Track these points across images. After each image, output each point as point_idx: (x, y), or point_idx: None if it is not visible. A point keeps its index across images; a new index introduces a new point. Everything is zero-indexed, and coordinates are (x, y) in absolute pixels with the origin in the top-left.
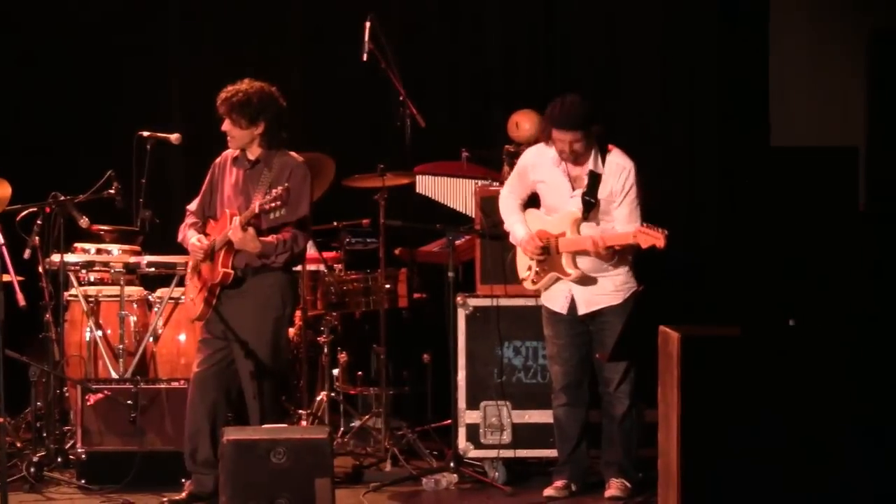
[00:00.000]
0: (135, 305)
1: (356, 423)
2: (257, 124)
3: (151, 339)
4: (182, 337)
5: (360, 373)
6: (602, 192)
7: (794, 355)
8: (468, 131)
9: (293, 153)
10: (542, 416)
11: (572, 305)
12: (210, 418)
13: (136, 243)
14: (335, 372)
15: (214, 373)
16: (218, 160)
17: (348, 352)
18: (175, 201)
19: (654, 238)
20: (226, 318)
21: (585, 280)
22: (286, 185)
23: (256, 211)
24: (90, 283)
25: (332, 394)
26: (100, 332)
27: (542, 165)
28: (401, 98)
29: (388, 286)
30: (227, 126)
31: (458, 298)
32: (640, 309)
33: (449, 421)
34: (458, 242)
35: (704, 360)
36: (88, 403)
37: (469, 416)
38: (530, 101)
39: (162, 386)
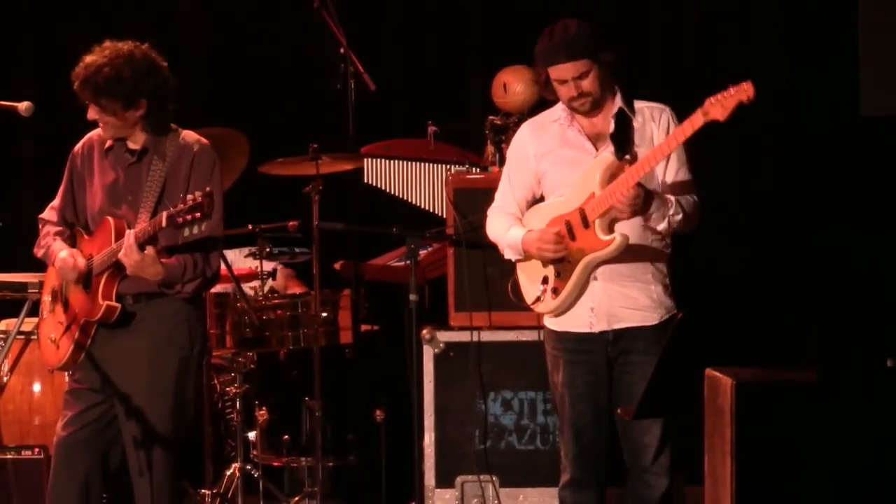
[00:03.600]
0: None
1: None
2: (137, 106)
3: None
4: (37, 387)
5: (286, 437)
6: (639, 140)
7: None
8: (437, 97)
9: (190, 132)
10: (543, 497)
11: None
12: (80, 501)
13: None
14: (251, 436)
15: (87, 438)
16: (78, 148)
17: (269, 407)
18: (26, 194)
19: (738, 93)
20: (106, 362)
21: (614, 275)
22: (208, 189)
23: (163, 224)
24: None
25: (248, 466)
26: None
27: (544, 132)
28: (342, 51)
29: (324, 315)
30: (94, 114)
31: (424, 332)
32: (677, 343)
33: (412, 503)
34: (422, 253)
35: (768, 414)
36: None
37: (440, 497)
38: (523, 54)
39: (9, 456)
